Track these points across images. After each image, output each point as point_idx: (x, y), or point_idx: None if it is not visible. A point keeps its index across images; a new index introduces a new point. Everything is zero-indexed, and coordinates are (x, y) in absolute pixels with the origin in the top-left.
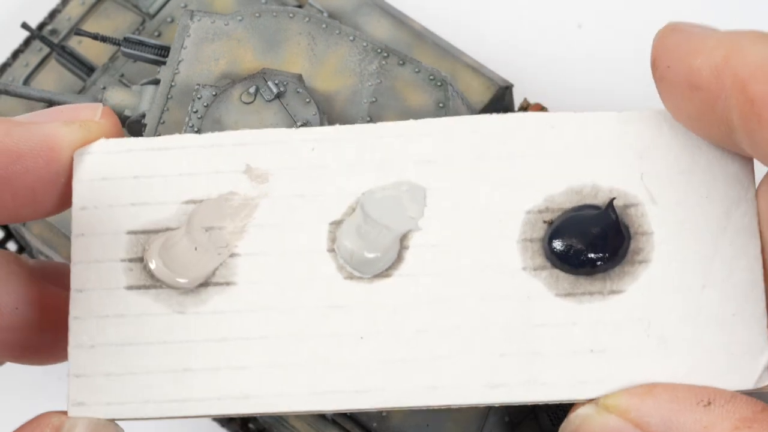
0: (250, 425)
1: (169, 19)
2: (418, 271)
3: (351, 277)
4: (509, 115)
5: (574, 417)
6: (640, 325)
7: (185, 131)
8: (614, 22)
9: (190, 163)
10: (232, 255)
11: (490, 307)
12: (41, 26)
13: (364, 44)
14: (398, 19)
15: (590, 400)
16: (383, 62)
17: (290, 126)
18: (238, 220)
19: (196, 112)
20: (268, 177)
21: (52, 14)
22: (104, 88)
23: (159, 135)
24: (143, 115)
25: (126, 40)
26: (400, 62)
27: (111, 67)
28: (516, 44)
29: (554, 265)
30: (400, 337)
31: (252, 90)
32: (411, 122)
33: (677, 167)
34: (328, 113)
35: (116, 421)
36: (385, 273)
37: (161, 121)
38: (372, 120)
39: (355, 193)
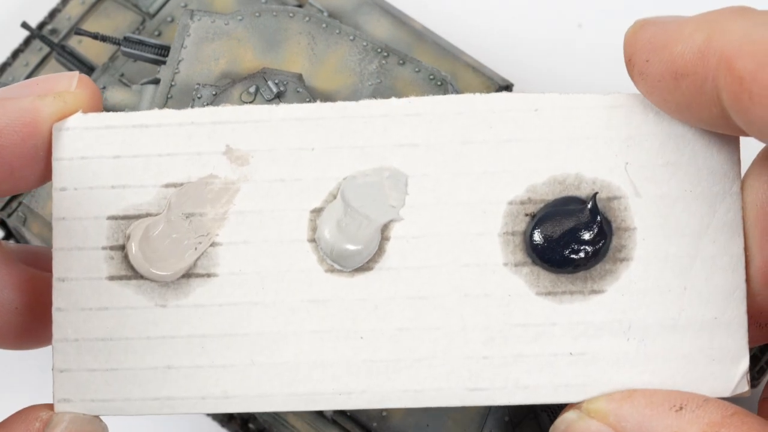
0: (250, 425)
1: (169, 19)
2: (399, 264)
3: (332, 270)
4: (496, 95)
5: (560, 422)
6: (620, 328)
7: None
8: (614, 22)
9: (169, 143)
10: (213, 244)
11: (471, 305)
12: (41, 26)
13: (364, 44)
14: (398, 18)
15: (575, 404)
16: (383, 62)
17: None
18: (218, 205)
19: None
20: (249, 159)
21: (52, 14)
22: (104, 87)
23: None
24: None
25: (126, 39)
26: (400, 62)
27: (111, 66)
28: (516, 44)
29: (535, 262)
30: (381, 336)
31: (252, 89)
32: (394, 101)
33: (662, 158)
34: None
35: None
36: (366, 266)
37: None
38: None
39: (336, 177)
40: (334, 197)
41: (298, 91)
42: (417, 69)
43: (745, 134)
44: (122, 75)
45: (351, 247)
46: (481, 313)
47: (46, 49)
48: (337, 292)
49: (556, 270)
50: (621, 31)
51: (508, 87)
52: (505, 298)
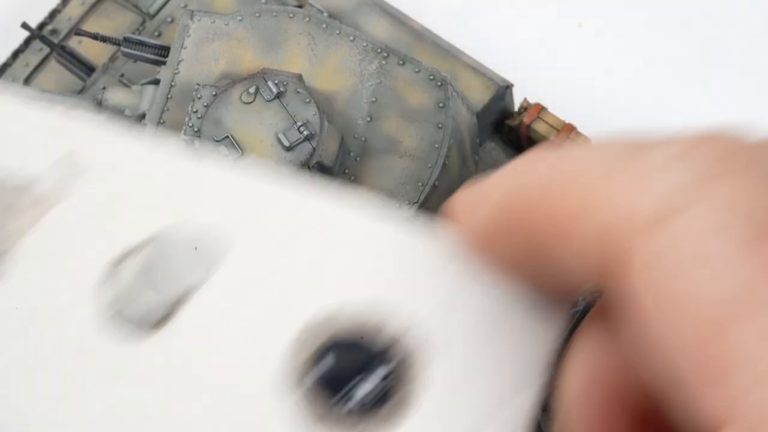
0: None
1: (169, 19)
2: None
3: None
4: (333, 206)
5: None
6: None
7: (185, 132)
8: (614, 22)
9: (10, 130)
10: None
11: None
12: (41, 26)
13: (364, 44)
14: (398, 18)
15: None
16: (383, 62)
17: (290, 126)
18: (24, 219)
19: (196, 111)
20: (84, 173)
21: (52, 14)
22: (104, 88)
23: (165, 134)
24: (143, 115)
25: (126, 40)
26: (400, 62)
27: (111, 67)
28: (516, 44)
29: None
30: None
31: (252, 90)
32: (234, 178)
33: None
34: (329, 113)
35: None
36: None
37: (161, 120)
38: (372, 120)
39: (154, 226)
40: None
41: (297, 92)
42: (417, 69)
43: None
44: (122, 75)
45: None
46: None
47: (47, 50)
48: (110, 360)
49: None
50: (621, 31)
51: (508, 87)
52: None
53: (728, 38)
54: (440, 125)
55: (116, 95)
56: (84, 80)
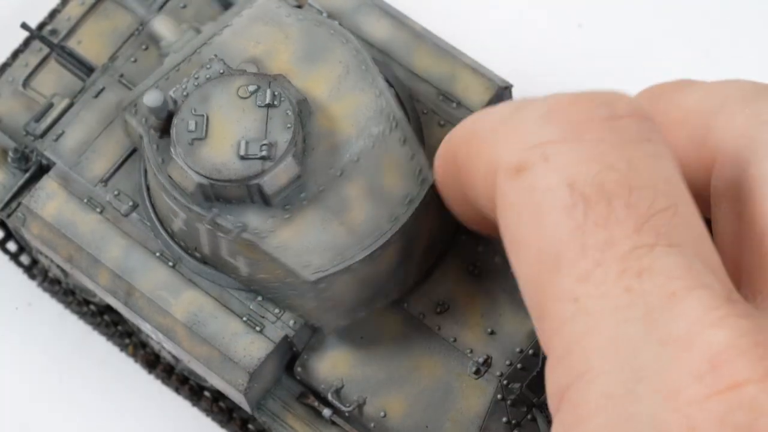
0: (250, 426)
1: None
2: None
3: None
4: None
5: None
6: None
7: (176, 90)
8: (614, 22)
9: None
10: None
11: None
12: (41, 26)
13: (384, 105)
14: (398, 19)
15: None
16: (387, 131)
17: (257, 140)
18: None
19: (197, 78)
20: None
21: (52, 14)
22: (103, 88)
23: (167, 79)
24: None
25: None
26: (402, 140)
27: (111, 67)
28: (516, 44)
29: None
30: None
31: (252, 88)
32: None
33: None
34: (309, 148)
35: None
36: None
37: (177, 67)
38: (341, 175)
39: None
40: None
41: (287, 113)
42: (411, 155)
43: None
44: (122, 75)
45: None
46: None
47: (46, 50)
48: None
49: None
50: (621, 31)
51: (507, 88)
52: None
53: (728, 38)
54: (395, 219)
55: (162, 26)
56: (84, 80)
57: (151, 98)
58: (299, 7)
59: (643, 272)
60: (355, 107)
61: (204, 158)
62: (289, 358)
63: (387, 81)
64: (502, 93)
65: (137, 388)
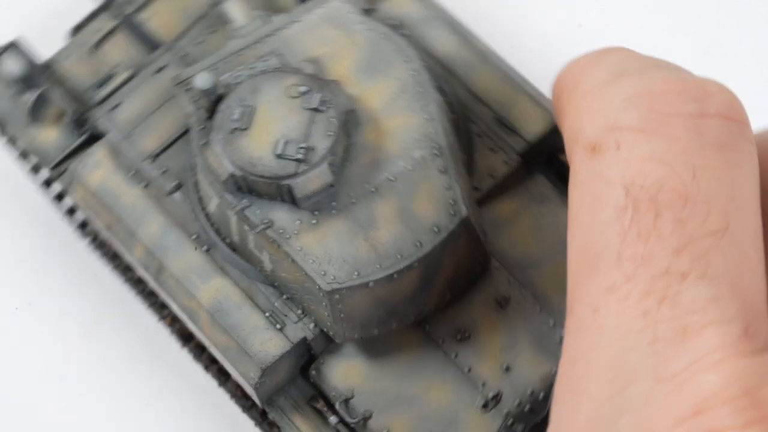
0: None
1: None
2: None
3: None
4: None
5: None
6: None
7: (231, 75)
8: (614, 22)
9: None
10: None
11: None
12: None
13: (431, 131)
14: (465, 37)
15: None
16: (428, 158)
17: (296, 141)
18: None
19: (252, 69)
20: None
21: None
22: (166, 66)
23: (226, 62)
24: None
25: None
26: (442, 170)
27: (175, 46)
28: (516, 44)
29: None
30: None
31: (303, 89)
32: None
33: None
34: (350, 156)
35: None
36: None
37: (237, 53)
38: (375, 192)
39: None
40: None
41: (330, 120)
42: (448, 186)
43: None
44: (186, 55)
45: None
46: None
47: (116, 21)
48: None
49: None
50: (621, 31)
51: None
52: None
53: (729, 38)
54: (419, 245)
55: (235, 8)
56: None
57: (202, 80)
58: (371, 11)
59: (666, 300)
60: (403, 127)
61: (241, 149)
62: (307, 359)
63: (443, 92)
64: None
65: (137, 388)
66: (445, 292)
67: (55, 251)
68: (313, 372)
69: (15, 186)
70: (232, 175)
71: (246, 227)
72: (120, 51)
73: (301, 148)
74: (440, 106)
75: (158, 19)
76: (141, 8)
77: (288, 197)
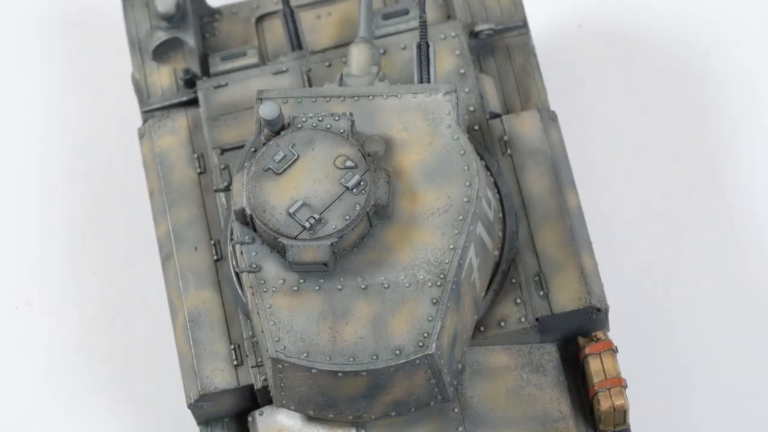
0: None
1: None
2: None
3: None
4: None
5: None
6: None
7: (298, 118)
8: (614, 22)
9: None
10: None
11: None
12: None
13: (446, 262)
14: (559, 185)
15: None
16: (429, 285)
17: (316, 210)
18: None
19: (321, 120)
20: None
21: None
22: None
23: (313, 101)
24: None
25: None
26: (433, 300)
27: (306, 56)
28: None
29: None
30: None
31: (349, 164)
32: None
33: None
34: (362, 245)
35: None
36: None
37: (326, 98)
38: (365, 289)
39: None
40: None
41: (356, 206)
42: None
43: None
44: (309, 71)
45: None
46: None
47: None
48: None
49: None
50: (621, 31)
51: (600, 310)
52: None
53: (728, 38)
54: (375, 358)
55: (357, 54)
56: (293, 50)
57: (267, 108)
58: (477, 33)
59: None
60: (424, 244)
61: (263, 190)
62: (251, 405)
63: (497, 225)
64: (590, 312)
65: (137, 388)
66: (390, 410)
67: (55, 251)
68: (250, 419)
69: (15, 186)
70: (242, 210)
71: (235, 261)
72: (272, 35)
73: (313, 217)
74: (475, 241)
75: (325, 21)
76: (317, 4)
77: (283, 254)
